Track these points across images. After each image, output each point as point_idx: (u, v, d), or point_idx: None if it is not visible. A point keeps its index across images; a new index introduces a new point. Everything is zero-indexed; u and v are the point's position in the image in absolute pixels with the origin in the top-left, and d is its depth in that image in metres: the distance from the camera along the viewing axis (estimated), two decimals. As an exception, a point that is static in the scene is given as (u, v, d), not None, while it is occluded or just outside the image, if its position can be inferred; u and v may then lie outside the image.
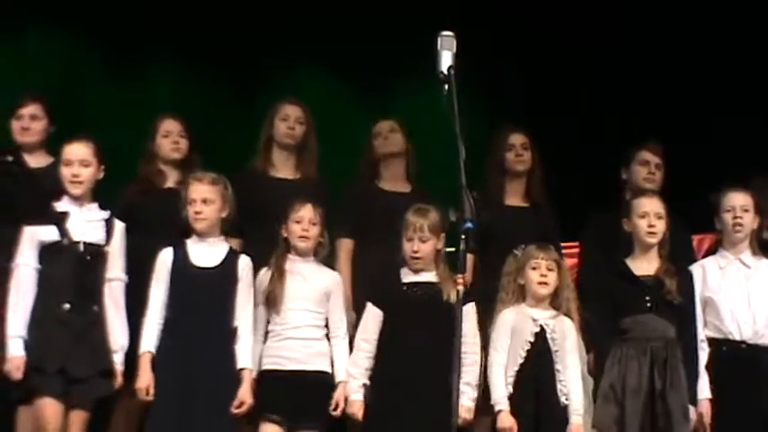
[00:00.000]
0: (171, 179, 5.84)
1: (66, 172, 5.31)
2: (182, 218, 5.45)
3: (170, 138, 5.85)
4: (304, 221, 5.47)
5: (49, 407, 5.08)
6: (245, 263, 5.44)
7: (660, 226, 5.57)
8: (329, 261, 5.80)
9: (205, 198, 5.40)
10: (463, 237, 3.93)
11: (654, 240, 5.57)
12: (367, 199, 5.87)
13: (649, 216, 5.57)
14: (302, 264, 5.49)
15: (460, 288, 4.07)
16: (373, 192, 5.95)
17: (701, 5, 7.57)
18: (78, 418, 5.16)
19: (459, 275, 4.05)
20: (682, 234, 5.97)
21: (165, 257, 5.38)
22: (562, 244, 6.12)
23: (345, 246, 5.88)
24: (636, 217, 5.59)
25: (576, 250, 6.23)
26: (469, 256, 4.12)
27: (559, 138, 7.09)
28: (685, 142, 7.15)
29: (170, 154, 5.85)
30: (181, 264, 5.36)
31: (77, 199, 5.30)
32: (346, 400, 5.37)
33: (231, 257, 5.43)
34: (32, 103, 5.80)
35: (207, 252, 5.41)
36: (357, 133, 7.11)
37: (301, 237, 5.46)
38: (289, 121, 5.98)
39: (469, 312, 5.31)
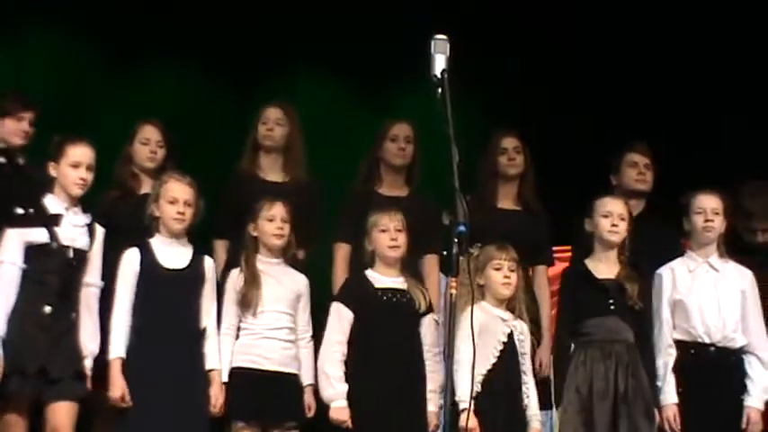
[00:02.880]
0: (146, 185, 5.83)
1: (72, 174, 5.30)
2: (148, 215, 5.44)
3: (148, 146, 5.86)
4: (277, 219, 5.48)
5: (14, 416, 5.09)
6: (209, 264, 5.48)
7: (623, 226, 5.58)
8: (328, 265, 5.82)
9: (187, 200, 5.41)
10: (456, 240, 3.93)
11: (615, 239, 5.58)
12: (365, 203, 5.86)
13: (613, 216, 5.59)
14: (274, 266, 5.50)
15: (454, 291, 4.06)
16: (371, 196, 5.95)
17: (697, 6, 7.56)
18: (58, 418, 5.13)
19: (452, 279, 4.05)
20: (671, 240, 5.97)
21: (132, 258, 5.36)
22: (555, 248, 6.13)
23: (342, 250, 5.89)
24: (598, 216, 5.61)
25: (569, 254, 6.23)
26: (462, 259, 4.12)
27: (553, 141, 7.10)
28: (679, 145, 7.16)
29: (145, 162, 5.85)
30: (149, 265, 5.35)
31: (68, 201, 5.30)
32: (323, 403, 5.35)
33: (197, 259, 5.45)
34: (33, 109, 5.82)
35: (173, 253, 5.41)
36: (355, 134, 7.13)
37: (276, 235, 5.46)
38: (268, 123, 6.00)
39: (432, 323, 5.48)
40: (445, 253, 4.01)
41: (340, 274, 5.82)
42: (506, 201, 6.07)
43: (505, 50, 7.67)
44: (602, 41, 7.71)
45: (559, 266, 6.25)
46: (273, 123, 6.01)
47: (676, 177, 6.29)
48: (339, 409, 5.29)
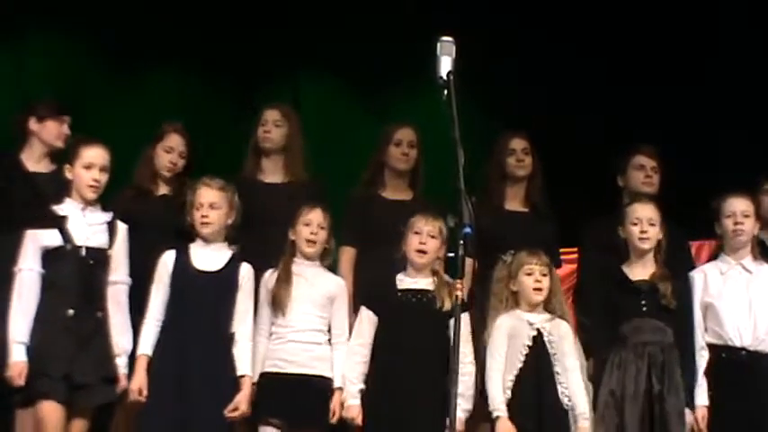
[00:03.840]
0: (163, 188, 5.87)
1: (85, 176, 5.29)
2: (186, 222, 5.48)
3: (171, 154, 5.87)
4: (313, 225, 5.50)
5: (52, 410, 5.07)
6: (246, 270, 5.46)
7: (653, 232, 5.60)
8: (332, 268, 5.81)
9: (212, 203, 5.43)
10: (461, 242, 3.92)
11: (646, 246, 5.59)
12: (369, 207, 5.87)
13: (642, 222, 5.60)
14: (308, 267, 5.51)
15: (458, 293, 4.07)
16: (375, 200, 5.94)
17: (702, 11, 7.56)
18: (78, 426, 5.17)
19: (458, 281, 4.04)
20: (679, 240, 5.97)
21: (167, 260, 5.41)
22: (561, 249, 6.12)
23: (348, 253, 5.88)
24: (629, 224, 5.63)
25: (576, 256, 6.23)
26: (468, 261, 4.11)
27: (555, 141, 7.09)
28: (684, 148, 7.16)
29: (163, 170, 5.87)
30: (182, 267, 5.39)
31: (84, 203, 5.30)
32: (342, 405, 5.39)
33: (233, 263, 5.45)
34: (69, 114, 5.88)
35: (209, 257, 5.44)
36: (357, 136, 7.13)
37: (309, 240, 5.49)
38: (266, 125, 6.00)
39: (463, 322, 5.35)
40: (451, 255, 4.00)
41: (345, 278, 5.78)
42: (514, 202, 6.06)
43: (505, 51, 7.67)
44: (603, 42, 7.70)
45: (566, 268, 6.24)
46: (271, 125, 6.01)
47: (677, 177, 6.30)
48: (351, 407, 5.35)
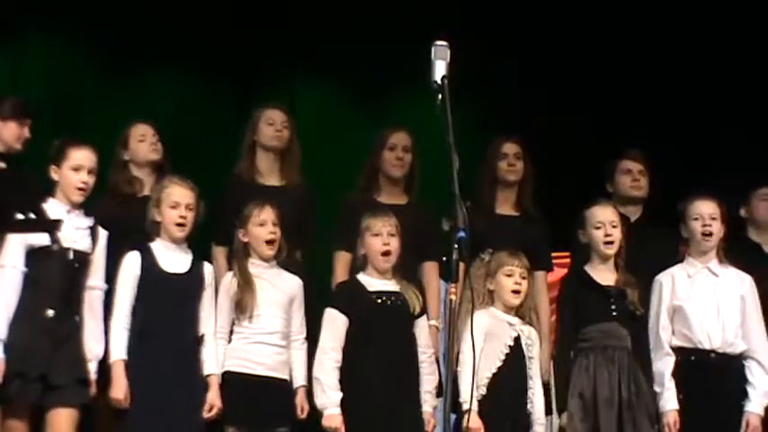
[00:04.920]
0: (147, 186, 5.81)
1: (73, 178, 5.28)
2: (149, 220, 5.42)
3: (146, 141, 5.84)
4: (268, 224, 5.45)
5: (17, 426, 5.08)
6: (209, 270, 5.46)
7: (617, 234, 5.60)
8: (327, 271, 5.81)
9: (189, 204, 5.40)
10: (456, 246, 3.93)
11: (611, 251, 5.61)
12: (364, 212, 5.82)
13: (605, 226, 5.61)
14: (266, 269, 5.48)
15: (453, 297, 4.07)
16: (370, 205, 5.88)
17: (703, 18, 7.55)
18: (66, 416, 5.13)
19: (452, 285, 4.04)
20: (670, 242, 5.97)
21: (133, 261, 5.34)
22: (553, 254, 6.13)
23: (343, 259, 5.84)
24: (591, 227, 5.62)
25: (567, 260, 6.23)
26: (462, 266, 4.12)
27: (559, 143, 7.09)
28: (683, 149, 7.16)
29: (148, 155, 5.83)
30: (150, 268, 5.33)
31: (69, 205, 5.28)
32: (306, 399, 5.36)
33: (197, 264, 5.44)
34: (32, 117, 5.78)
35: (174, 258, 5.39)
36: (354, 138, 7.13)
37: (268, 241, 5.43)
38: (275, 124, 5.99)
39: (425, 324, 5.49)
40: (445, 259, 4.00)
41: (340, 284, 5.81)
42: (505, 206, 6.05)
43: (505, 51, 7.67)
44: (603, 42, 7.70)
45: (558, 272, 6.25)
46: (281, 125, 5.99)
47: (676, 180, 6.30)
48: (332, 416, 5.27)
